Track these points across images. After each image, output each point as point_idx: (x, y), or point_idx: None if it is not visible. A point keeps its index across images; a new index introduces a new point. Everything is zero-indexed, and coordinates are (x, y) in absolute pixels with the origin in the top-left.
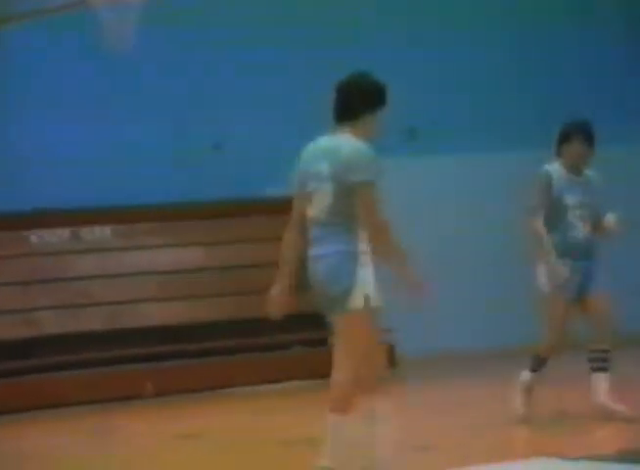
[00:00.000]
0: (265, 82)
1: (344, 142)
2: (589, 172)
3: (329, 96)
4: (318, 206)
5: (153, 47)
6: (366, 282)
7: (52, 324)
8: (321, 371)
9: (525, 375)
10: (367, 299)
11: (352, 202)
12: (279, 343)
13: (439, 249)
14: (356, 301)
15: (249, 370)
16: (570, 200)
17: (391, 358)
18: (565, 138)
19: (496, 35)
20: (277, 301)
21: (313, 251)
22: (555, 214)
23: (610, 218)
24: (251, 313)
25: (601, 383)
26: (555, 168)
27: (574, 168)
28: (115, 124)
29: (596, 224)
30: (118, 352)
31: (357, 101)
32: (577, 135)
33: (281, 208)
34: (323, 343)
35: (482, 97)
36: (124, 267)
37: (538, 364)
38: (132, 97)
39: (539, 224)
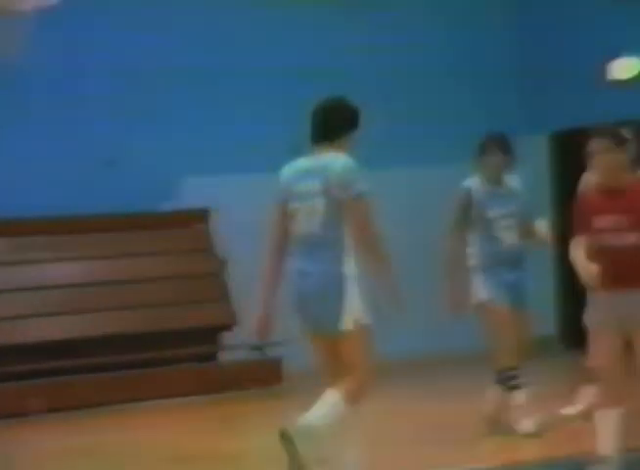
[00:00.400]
0: (159, 98)
1: (334, 159)
2: (512, 181)
3: (219, 113)
4: (307, 222)
5: (43, 61)
6: (355, 302)
7: None
8: (212, 386)
9: (518, 395)
10: (357, 320)
11: (343, 217)
12: (171, 358)
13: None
14: (347, 323)
15: (141, 385)
16: (492, 212)
17: (278, 373)
18: (481, 151)
19: (420, 45)
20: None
21: (301, 265)
22: (480, 228)
23: (540, 225)
24: (144, 328)
25: (513, 399)
26: (475, 182)
27: (494, 180)
28: (6, 139)
29: (524, 232)
30: (9, 367)
31: (338, 123)
32: (492, 147)
33: (173, 222)
34: (213, 358)
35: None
36: (14, 282)
37: (510, 378)
38: (22, 112)
39: (452, 242)
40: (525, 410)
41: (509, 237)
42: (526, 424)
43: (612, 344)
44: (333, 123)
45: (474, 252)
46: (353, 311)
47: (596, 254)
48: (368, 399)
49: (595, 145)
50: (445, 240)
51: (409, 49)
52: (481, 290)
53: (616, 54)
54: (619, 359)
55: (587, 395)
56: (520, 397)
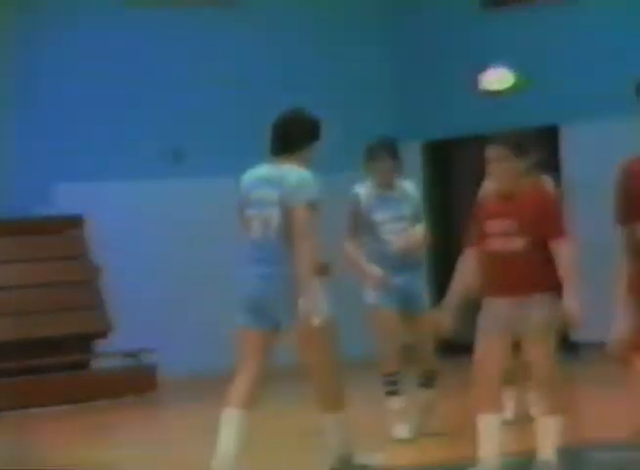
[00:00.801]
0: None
1: (290, 171)
2: (404, 185)
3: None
4: (262, 229)
5: None
6: (316, 299)
7: None
8: (86, 395)
9: (394, 401)
10: (318, 316)
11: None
12: (44, 366)
13: (210, 269)
14: (310, 319)
15: (13, 394)
16: (379, 216)
17: (153, 380)
18: (369, 156)
19: (296, 58)
20: None
21: (258, 270)
22: (368, 232)
23: (415, 230)
24: (17, 335)
25: (390, 405)
26: (364, 188)
27: (384, 185)
28: None
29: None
30: None
31: (298, 135)
32: (380, 151)
33: (46, 228)
34: (87, 365)
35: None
36: None
37: (388, 383)
38: None
39: (349, 247)
40: (403, 416)
41: (396, 240)
42: (401, 429)
43: (495, 350)
44: (293, 136)
45: (364, 255)
46: (313, 308)
47: (486, 259)
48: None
49: (492, 152)
50: (343, 246)
51: (285, 61)
52: (368, 294)
53: (488, 65)
54: (500, 365)
55: (509, 397)
56: (396, 403)
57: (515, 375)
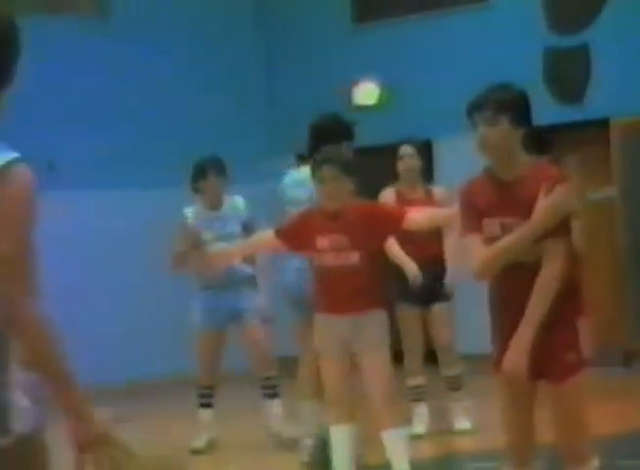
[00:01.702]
0: None
1: None
2: (234, 201)
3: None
4: None
5: None
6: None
7: None
8: None
9: (202, 413)
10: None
11: None
12: None
13: (82, 283)
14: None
15: None
16: (207, 235)
17: None
18: (199, 175)
19: (134, 76)
20: None
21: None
22: (197, 250)
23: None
24: None
25: (272, 409)
26: (193, 208)
27: (213, 203)
28: None
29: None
30: None
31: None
32: (211, 170)
33: None
34: None
35: (123, 133)
36: None
37: (201, 396)
38: None
39: (177, 266)
40: (210, 428)
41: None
42: (197, 442)
43: (336, 366)
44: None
45: (193, 274)
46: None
47: (319, 274)
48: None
49: (325, 171)
50: (172, 264)
51: (159, 86)
52: (193, 313)
53: (359, 79)
54: (345, 379)
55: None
56: (207, 415)
57: (425, 391)
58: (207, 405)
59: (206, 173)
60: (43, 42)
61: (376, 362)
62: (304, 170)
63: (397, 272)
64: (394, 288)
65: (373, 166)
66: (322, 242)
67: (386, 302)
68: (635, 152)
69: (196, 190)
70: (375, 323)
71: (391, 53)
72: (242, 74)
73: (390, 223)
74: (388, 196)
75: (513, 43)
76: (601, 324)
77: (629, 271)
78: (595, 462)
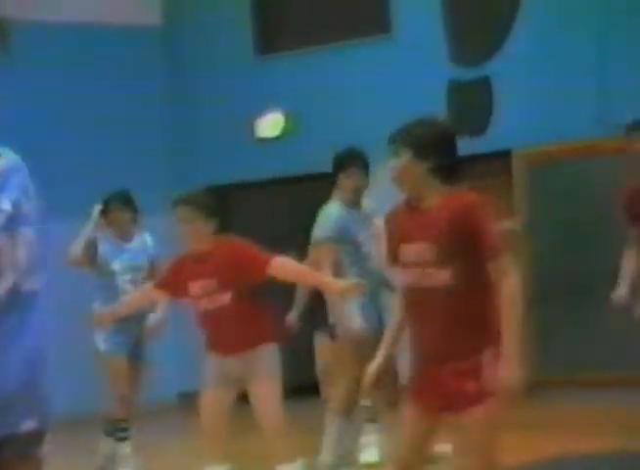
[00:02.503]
0: None
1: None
2: (142, 236)
3: None
4: None
5: None
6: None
7: None
8: None
9: (105, 443)
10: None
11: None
12: None
13: None
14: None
15: None
16: (116, 265)
17: None
18: (107, 208)
19: (40, 110)
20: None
21: None
22: (105, 280)
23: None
24: None
25: (120, 450)
26: (103, 237)
27: (121, 235)
28: None
29: None
30: None
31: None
32: (114, 203)
33: None
34: None
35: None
36: None
37: (118, 430)
38: None
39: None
40: (132, 460)
41: (132, 290)
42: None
43: (219, 402)
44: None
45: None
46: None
47: (200, 319)
48: None
49: (180, 213)
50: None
51: (63, 119)
52: (98, 339)
53: (263, 111)
54: (225, 417)
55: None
56: (125, 448)
57: (378, 414)
58: (124, 439)
59: (110, 206)
60: None
61: (265, 395)
62: None
63: (315, 302)
64: (311, 318)
65: (276, 197)
66: (194, 288)
67: (277, 334)
68: (537, 181)
69: (106, 223)
70: (263, 358)
71: (297, 84)
72: (147, 106)
73: (255, 268)
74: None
75: (417, 75)
76: None
77: (533, 303)
78: None
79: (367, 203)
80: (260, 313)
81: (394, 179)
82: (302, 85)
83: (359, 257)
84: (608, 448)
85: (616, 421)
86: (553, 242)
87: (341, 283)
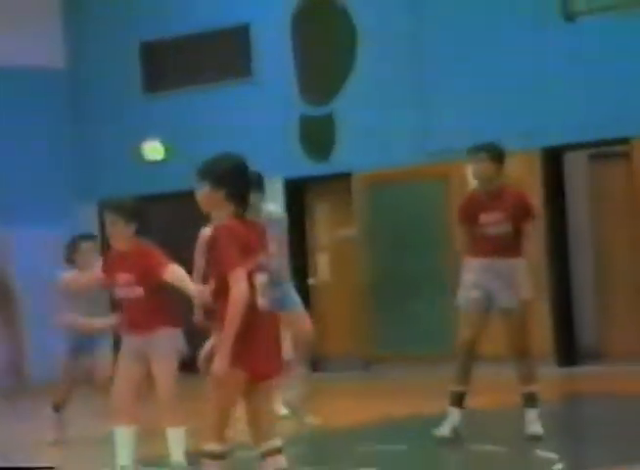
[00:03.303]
0: None
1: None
2: None
3: None
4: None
5: None
6: None
7: None
8: None
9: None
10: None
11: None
12: None
13: None
14: None
15: None
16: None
17: None
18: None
19: None
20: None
21: None
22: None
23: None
24: None
25: None
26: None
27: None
28: None
29: None
30: None
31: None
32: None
33: None
34: None
35: None
36: None
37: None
38: None
39: None
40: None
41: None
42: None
43: (131, 373)
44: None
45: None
46: None
47: (120, 304)
48: None
49: (107, 217)
50: None
51: None
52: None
53: (148, 137)
54: (136, 385)
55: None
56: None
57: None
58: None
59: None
60: None
61: (161, 371)
62: None
63: None
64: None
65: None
66: (119, 279)
67: (178, 320)
68: (372, 200)
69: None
70: (164, 339)
71: (174, 118)
72: (53, 133)
73: (157, 270)
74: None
75: (274, 112)
76: (346, 337)
77: (371, 295)
78: (277, 442)
79: (273, 208)
80: (165, 303)
81: (201, 204)
82: (179, 119)
83: None
84: (415, 411)
85: (428, 389)
86: (385, 247)
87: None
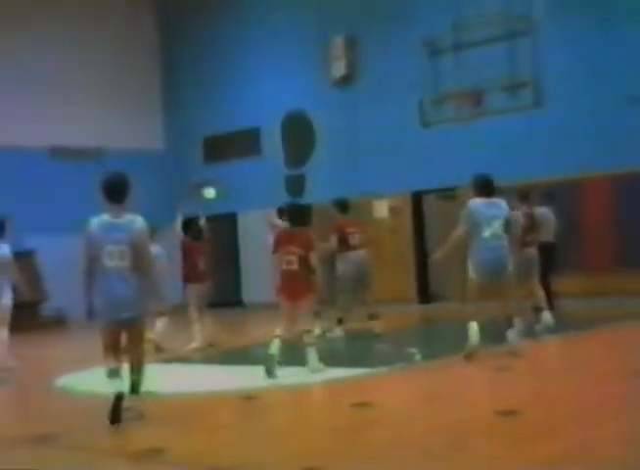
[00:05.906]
0: None
1: (134, 218)
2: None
3: None
4: (119, 259)
5: None
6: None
7: None
8: None
9: None
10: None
11: (141, 256)
12: None
13: None
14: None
15: None
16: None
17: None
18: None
19: None
20: None
21: (116, 284)
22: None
23: None
24: None
25: None
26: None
27: None
28: None
29: None
30: None
31: (125, 191)
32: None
33: None
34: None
35: None
36: None
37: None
38: None
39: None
40: None
41: None
42: None
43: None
44: (123, 191)
45: None
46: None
47: None
48: None
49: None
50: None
51: None
52: None
53: (207, 186)
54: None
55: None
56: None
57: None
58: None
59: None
60: None
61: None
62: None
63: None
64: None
65: None
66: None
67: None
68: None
69: None
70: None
71: (221, 177)
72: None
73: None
74: None
75: (272, 174)
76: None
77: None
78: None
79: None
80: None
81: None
82: (222, 178)
83: None
84: None
85: None
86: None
87: None
